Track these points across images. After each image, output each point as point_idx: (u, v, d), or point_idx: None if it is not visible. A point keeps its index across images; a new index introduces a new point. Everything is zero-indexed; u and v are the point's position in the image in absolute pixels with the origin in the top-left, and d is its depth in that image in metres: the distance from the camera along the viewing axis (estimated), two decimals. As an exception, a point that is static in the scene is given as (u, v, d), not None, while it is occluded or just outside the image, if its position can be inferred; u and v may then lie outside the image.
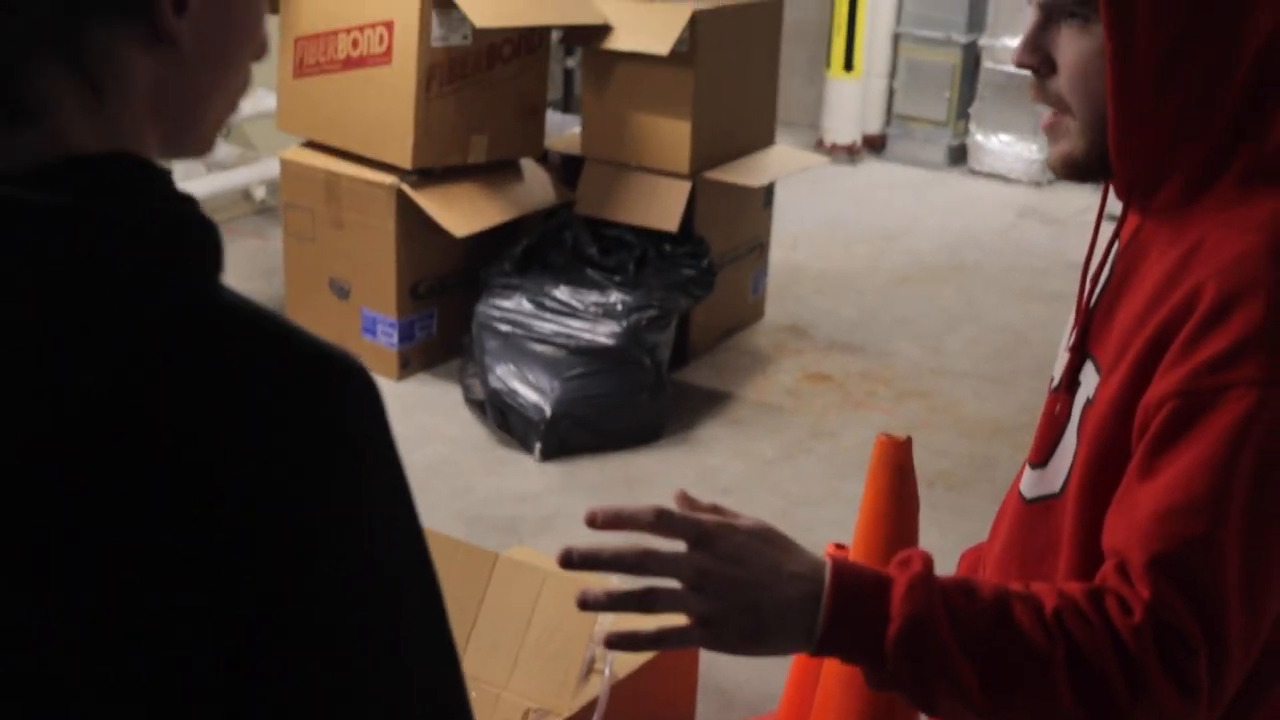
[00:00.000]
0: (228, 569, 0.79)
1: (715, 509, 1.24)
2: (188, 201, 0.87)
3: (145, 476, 0.78)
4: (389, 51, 4.50)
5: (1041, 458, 1.41)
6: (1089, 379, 1.34)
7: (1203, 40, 1.22)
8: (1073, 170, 1.34)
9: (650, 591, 1.18)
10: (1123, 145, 1.26)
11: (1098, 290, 1.38)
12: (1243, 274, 1.18)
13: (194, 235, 0.86)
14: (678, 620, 1.20)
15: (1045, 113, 1.35)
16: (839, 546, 2.89)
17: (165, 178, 0.86)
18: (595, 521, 1.20)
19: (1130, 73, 1.23)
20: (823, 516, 3.99)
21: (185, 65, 0.88)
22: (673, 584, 1.18)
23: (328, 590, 0.82)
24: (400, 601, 0.86)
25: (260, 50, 0.96)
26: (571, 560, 1.18)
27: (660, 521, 1.19)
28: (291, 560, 0.81)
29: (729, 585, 1.18)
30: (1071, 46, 1.28)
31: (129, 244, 0.81)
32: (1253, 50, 1.23)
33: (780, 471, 4.29)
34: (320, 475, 0.82)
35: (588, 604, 1.17)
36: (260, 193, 6.27)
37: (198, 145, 0.95)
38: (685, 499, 1.24)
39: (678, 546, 1.20)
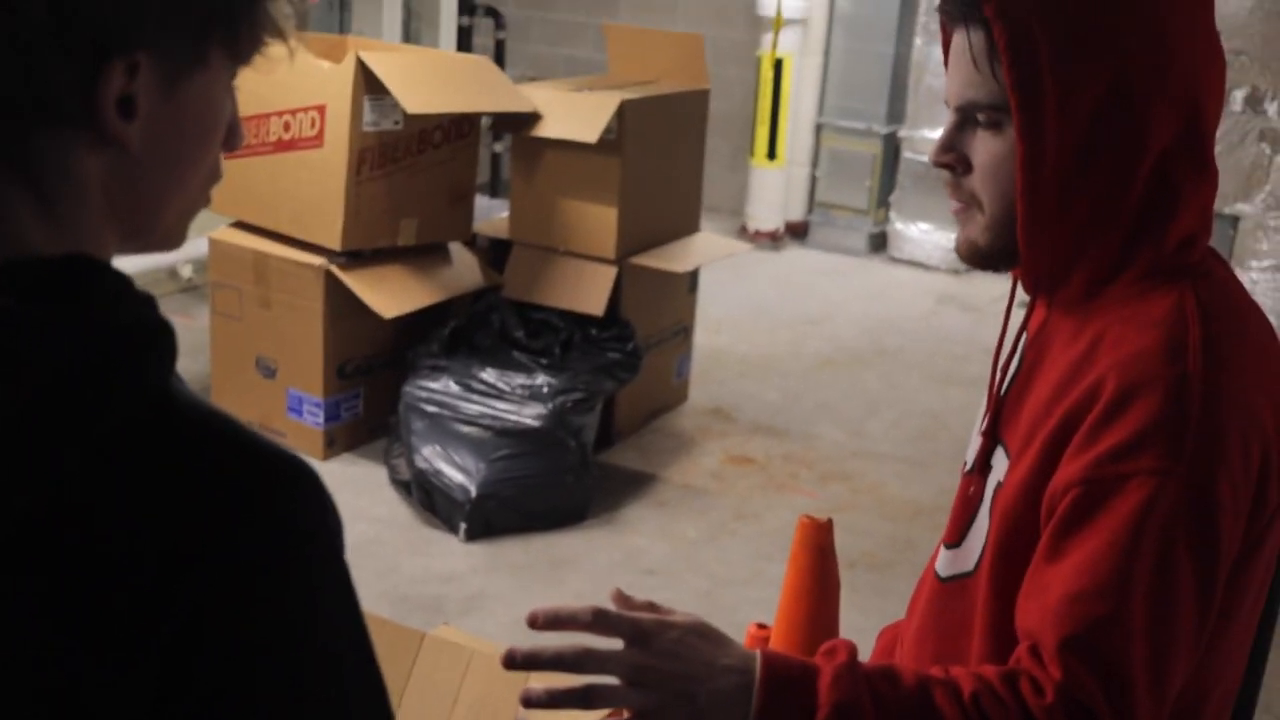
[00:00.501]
0: (178, 666, 0.80)
1: (650, 606, 1.29)
2: (142, 303, 0.87)
3: (99, 579, 0.79)
4: (320, 135, 4.55)
5: (956, 538, 1.47)
6: (1000, 463, 1.40)
7: (1107, 147, 1.30)
8: (976, 256, 1.42)
9: (590, 688, 1.22)
10: (1030, 242, 1.34)
11: (1009, 378, 1.45)
12: (1141, 369, 1.26)
13: (146, 338, 0.86)
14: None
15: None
16: (761, 626, 2.93)
17: (120, 279, 0.87)
18: (536, 623, 1.24)
19: (1039, 175, 1.30)
20: (747, 596, 4.03)
21: (138, 166, 0.89)
22: (612, 680, 1.23)
23: (277, 690, 0.84)
24: (347, 700, 0.88)
25: (234, 140, 0.97)
26: (515, 661, 1.21)
27: (598, 621, 1.24)
28: (241, 660, 0.82)
29: (665, 679, 1.22)
30: (985, 148, 1.36)
31: (80, 348, 0.81)
32: (1154, 156, 1.31)
33: (704, 552, 4.33)
34: (272, 578, 0.84)
35: (530, 702, 1.21)
36: (187, 271, 6.28)
37: (161, 241, 0.96)
38: (621, 597, 1.29)
39: (616, 644, 1.24)
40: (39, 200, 0.85)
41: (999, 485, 1.38)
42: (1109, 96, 1.28)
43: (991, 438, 1.43)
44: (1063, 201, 1.31)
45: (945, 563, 1.49)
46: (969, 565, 1.43)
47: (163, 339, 0.87)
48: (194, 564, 0.81)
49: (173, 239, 0.97)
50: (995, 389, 1.46)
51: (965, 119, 1.38)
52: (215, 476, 0.84)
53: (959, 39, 1.36)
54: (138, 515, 0.81)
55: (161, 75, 0.87)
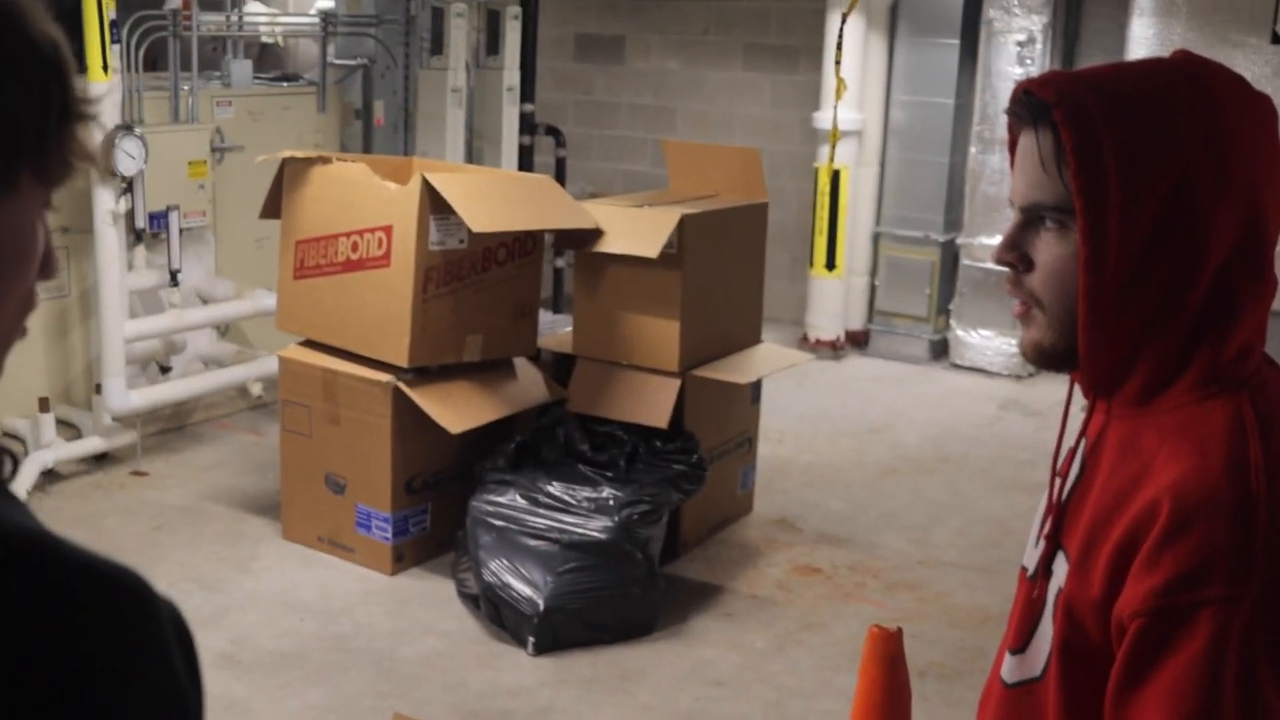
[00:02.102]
0: None
1: None
2: None
3: None
4: (388, 254, 4.66)
5: (1020, 643, 1.48)
6: (1060, 568, 1.42)
7: (1168, 252, 1.32)
8: (1041, 357, 1.44)
9: None
10: (1090, 342, 1.36)
11: (1069, 483, 1.46)
12: (1203, 490, 1.26)
13: None
14: None
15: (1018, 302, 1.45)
16: (832, 737, 2.93)
17: None
18: None
19: (1101, 277, 1.33)
20: (816, 708, 4.01)
21: None
22: None
23: None
24: None
25: (49, 268, 0.95)
26: None
27: None
28: None
29: None
30: (1049, 249, 1.39)
31: None
32: (1214, 264, 1.33)
33: (773, 663, 4.31)
34: (81, 694, 0.82)
35: None
36: (256, 389, 6.38)
37: None
38: None
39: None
40: None
41: (1059, 591, 1.40)
42: (1172, 202, 1.31)
43: (1054, 542, 1.45)
44: (1123, 304, 1.34)
45: (1010, 668, 1.50)
46: (1036, 671, 1.44)
47: None
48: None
49: None
50: (1056, 494, 1.47)
51: (1029, 219, 1.41)
52: (24, 594, 0.83)
53: (1027, 141, 1.39)
54: None
55: None
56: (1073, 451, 1.48)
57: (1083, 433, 1.47)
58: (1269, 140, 1.36)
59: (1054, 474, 1.49)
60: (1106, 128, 1.31)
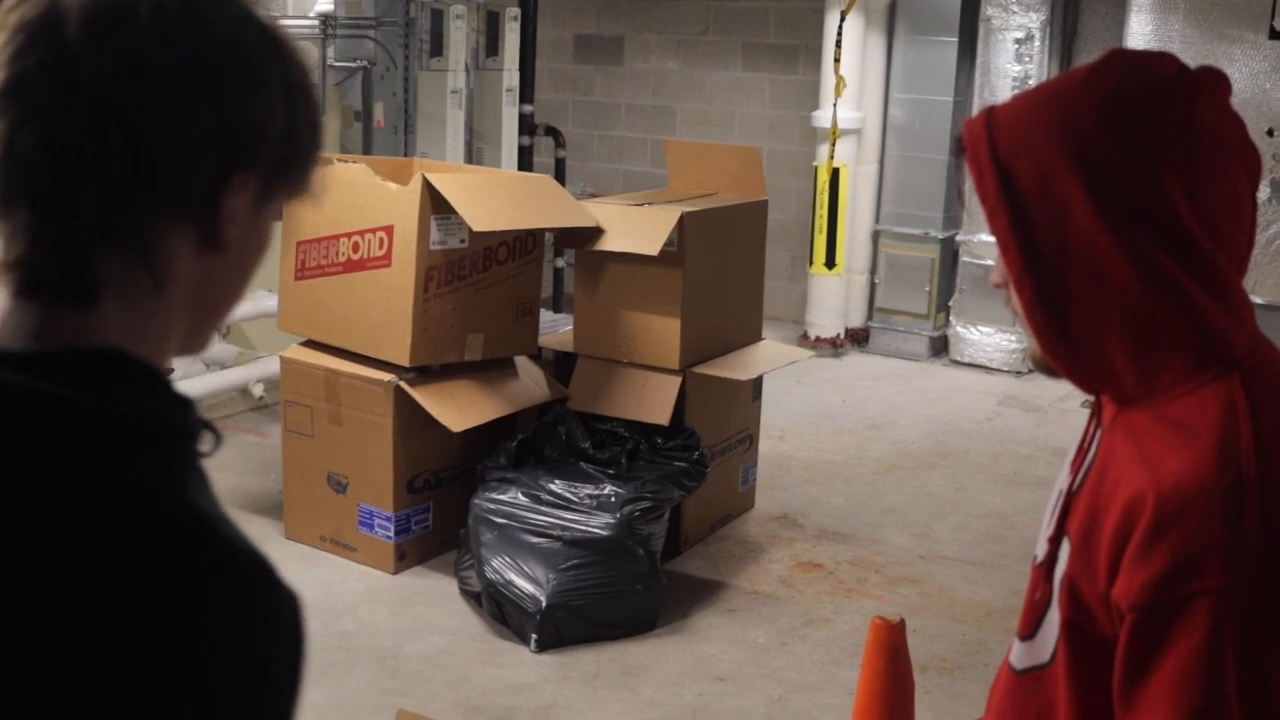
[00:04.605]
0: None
1: None
2: (169, 402, 0.96)
3: (58, 629, 0.86)
4: (389, 254, 4.67)
5: (1029, 630, 1.49)
6: (1064, 553, 1.43)
7: (1076, 259, 1.33)
8: (1038, 366, 1.46)
9: None
10: (1054, 354, 1.39)
11: (1082, 472, 1.46)
12: (1194, 478, 1.26)
13: (153, 432, 0.94)
14: None
15: None
16: (836, 730, 2.94)
17: (160, 379, 0.97)
18: None
19: (1029, 294, 1.36)
20: (819, 702, 4.02)
21: (224, 271, 1.01)
22: None
23: None
24: None
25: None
26: None
27: None
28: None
29: None
30: (1000, 272, 1.42)
31: (100, 437, 0.91)
32: (1122, 264, 1.31)
33: (775, 658, 4.33)
34: (190, 661, 0.89)
35: None
36: (258, 390, 6.40)
37: (204, 344, 1.06)
38: None
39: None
40: (140, 291, 0.96)
41: (1064, 576, 1.41)
42: (1047, 219, 1.33)
43: (1060, 529, 1.45)
44: (1063, 314, 1.35)
45: (1019, 655, 1.51)
46: (1044, 657, 1.45)
47: (176, 437, 0.96)
48: (122, 632, 0.87)
49: (210, 342, 1.07)
50: (1070, 483, 1.47)
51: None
52: (169, 562, 0.90)
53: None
54: (94, 582, 0.87)
55: (256, 195, 1.00)
56: (1090, 441, 1.48)
57: (1100, 424, 1.48)
58: (1178, 121, 1.32)
59: (1072, 464, 1.49)
60: (999, 152, 1.34)
